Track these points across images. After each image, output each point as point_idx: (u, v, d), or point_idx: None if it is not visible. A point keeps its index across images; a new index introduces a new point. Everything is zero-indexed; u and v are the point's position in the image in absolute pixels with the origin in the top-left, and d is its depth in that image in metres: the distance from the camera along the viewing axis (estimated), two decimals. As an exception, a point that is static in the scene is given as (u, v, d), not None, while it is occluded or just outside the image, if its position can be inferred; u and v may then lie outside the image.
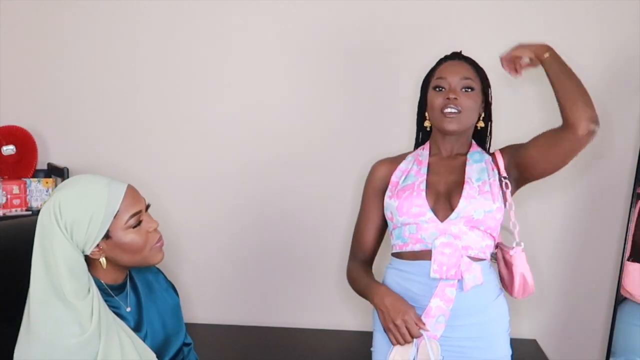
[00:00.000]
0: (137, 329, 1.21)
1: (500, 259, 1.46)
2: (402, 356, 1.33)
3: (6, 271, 1.23)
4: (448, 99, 1.38)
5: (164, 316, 1.30)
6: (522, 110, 2.03)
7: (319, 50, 2.14)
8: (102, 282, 1.19)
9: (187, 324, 1.38)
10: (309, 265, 2.26)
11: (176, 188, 2.25)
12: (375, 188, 1.50)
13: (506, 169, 1.43)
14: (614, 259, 2.11)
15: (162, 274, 1.38)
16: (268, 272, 2.29)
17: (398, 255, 1.44)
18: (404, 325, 1.31)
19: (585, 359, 2.20)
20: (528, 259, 1.42)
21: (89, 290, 1.10)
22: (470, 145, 1.48)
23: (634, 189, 1.94)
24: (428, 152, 1.48)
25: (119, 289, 1.23)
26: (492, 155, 1.46)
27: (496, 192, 1.38)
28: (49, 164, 2.25)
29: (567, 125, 1.29)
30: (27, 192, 2.17)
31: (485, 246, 1.39)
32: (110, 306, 1.17)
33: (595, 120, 1.28)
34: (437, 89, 1.41)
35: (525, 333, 2.16)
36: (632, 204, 1.93)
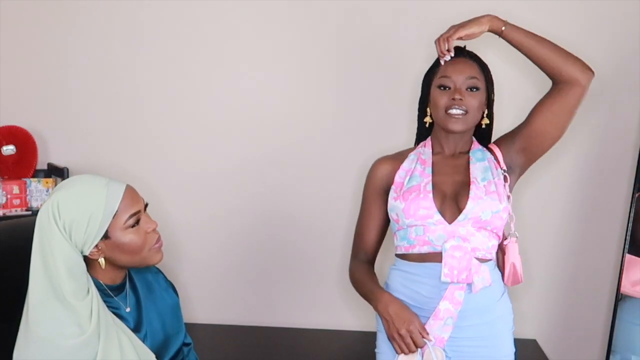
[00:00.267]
0: (136, 329, 1.21)
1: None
2: None
3: (6, 271, 1.23)
4: (454, 99, 1.35)
5: (163, 316, 1.30)
6: (522, 105, 2.02)
7: (319, 49, 2.14)
8: (101, 282, 1.19)
9: (186, 324, 1.38)
10: (310, 264, 2.26)
11: (176, 188, 2.25)
12: (377, 187, 1.48)
13: (505, 160, 1.43)
14: (614, 259, 2.11)
15: (162, 274, 1.38)
16: (268, 272, 2.29)
17: (404, 257, 1.42)
18: (408, 335, 1.30)
19: (585, 359, 2.20)
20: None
21: (88, 291, 1.10)
22: (472, 143, 1.47)
23: (634, 189, 1.94)
24: (430, 150, 1.46)
25: (119, 289, 1.23)
26: (490, 150, 1.46)
27: (502, 191, 1.37)
28: (49, 164, 2.26)
29: (567, 82, 1.33)
30: (27, 192, 2.17)
31: (491, 246, 1.38)
32: (109, 307, 1.17)
33: (587, 66, 1.34)
34: (442, 88, 1.38)
35: (525, 333, 2.16)
36: (632, 205, 1.92)
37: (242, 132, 2.21)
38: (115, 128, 2.25)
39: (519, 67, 1.89)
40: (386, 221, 1.49)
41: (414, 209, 1.36)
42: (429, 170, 1.41)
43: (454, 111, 1.36)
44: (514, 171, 1.45)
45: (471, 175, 1.39)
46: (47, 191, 2.18)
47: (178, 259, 2.25)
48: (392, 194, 1.43)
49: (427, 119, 1.45)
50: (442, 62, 1.39)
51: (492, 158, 1.44)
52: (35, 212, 2.11)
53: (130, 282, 1.27)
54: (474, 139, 1.48)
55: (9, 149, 2.20)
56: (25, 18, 2.22)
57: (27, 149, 2.22)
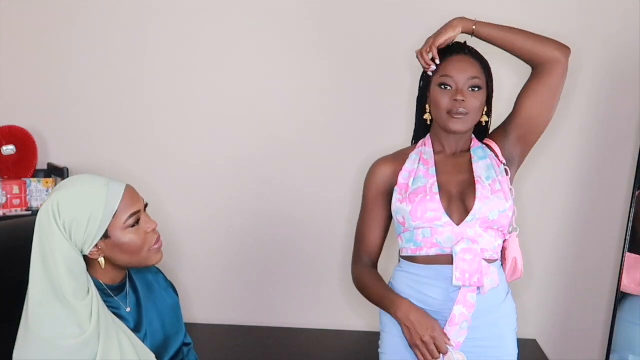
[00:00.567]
0: (136, 329, 1.22)
1: None
2: None
3: (6, 271, 1.23)
4: (455, 100, 1.33)
5: (163, 316, 1.30)
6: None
7: (319, 49, 2.14)
8: (101, 282, 1.19)
9: (186, 324, 1.38)
10: (310, 264, 2.26)
11: (176, 188, 2.25)
12: (379, 188, 1.45)
13: (503, 154, 1.43)
14: (614, 258, 2.11)
15: (162, 273, 1.38)
16: (268, 272, 2.29)
17: (410, 259, 1.40)
18: (432, 342, 1.29)
19: (585, 359, 2.20)
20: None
21: (88, 291, 1.11)
22: (471, 140, 1.46)
23: (634, 188, 1.93)
24: (432, 150, 1.44)
25: (119, 289, 1.23)
26: (487, 146, 1.45)
27: (506, 189, 1.36)
28: (49, 164, 2.26)
29: (547, 63, 1.36)
30: (27, 192, 2.17)
31: (497, 246, 1.38)
32: (109, 307, 1.17)
33: (562, 44, 1.37)
34: (443, 87, 1.36)
35: (525, 333, 2.16)
36: (632, 204, 1.92)
37: (242, 132, 2.21)
38: (115, 128, 2.25)
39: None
40: (389, 223, 1.47)
41: (421, 212, 1.33)
42: (432, 170, 1.39)
43: (455, 112, 1.33)
44: (514, 163, 1.44)
45: (475, 174, 1.37)
46: (47, 191, 2.18)
47: (178, 259, 2.25)
48: (396, 196, 1.40)
49: (427, 116, 1.43)
50: (430, 73, 1.39)
51: (493, 155, 1.43)
52: (35, 212, 2.11)
53: (130, 282, 1.27)
54: (472, 135, 1.47)
55: (9, 149, 2.20)
56: (26, 18, 2.22)
57: (27, 149, 2.22)
